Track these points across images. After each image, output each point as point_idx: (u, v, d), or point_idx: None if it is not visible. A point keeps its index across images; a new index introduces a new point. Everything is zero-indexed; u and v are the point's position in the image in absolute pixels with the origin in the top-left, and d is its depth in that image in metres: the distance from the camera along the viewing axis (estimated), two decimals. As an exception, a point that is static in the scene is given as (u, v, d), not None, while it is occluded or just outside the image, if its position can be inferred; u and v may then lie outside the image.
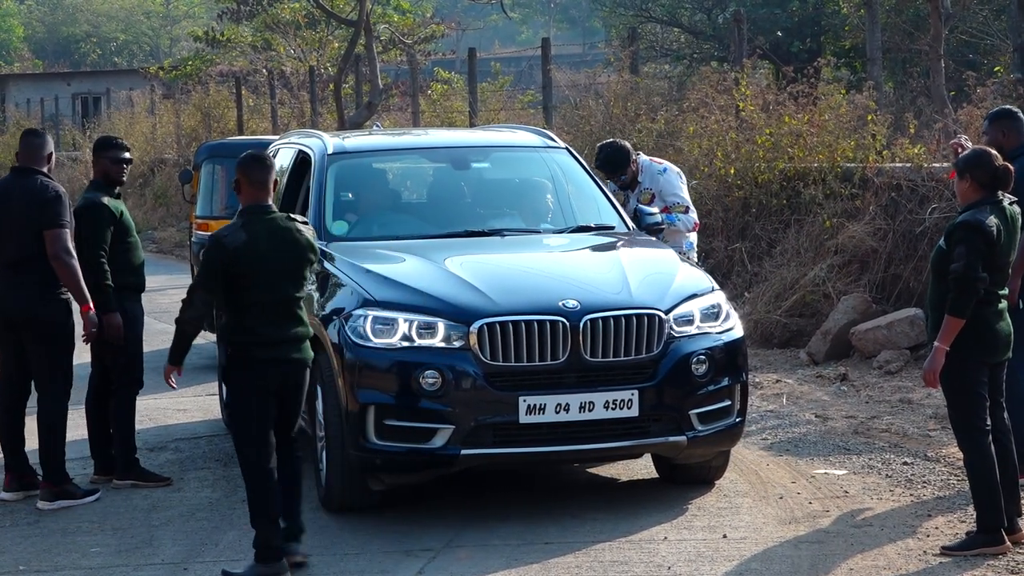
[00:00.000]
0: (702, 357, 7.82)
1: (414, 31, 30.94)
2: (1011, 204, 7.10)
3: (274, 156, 10.30)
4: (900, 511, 7.83)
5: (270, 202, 7.08)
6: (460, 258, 8.32)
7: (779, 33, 24.97)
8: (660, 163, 10.73)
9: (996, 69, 17.04)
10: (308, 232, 7.16)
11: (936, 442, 9.24)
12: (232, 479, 8.75)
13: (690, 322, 7.91)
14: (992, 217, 6.94)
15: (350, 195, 9.26)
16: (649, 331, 7.73)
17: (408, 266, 8.26)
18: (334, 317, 7.89)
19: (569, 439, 7.65)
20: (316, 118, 26.96)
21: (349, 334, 7.70)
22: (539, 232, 9.12)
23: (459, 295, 7.78)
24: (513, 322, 7.58)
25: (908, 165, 12.52)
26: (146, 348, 9.07)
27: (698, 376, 7.80)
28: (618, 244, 8.84)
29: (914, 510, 7.84)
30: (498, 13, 33.07)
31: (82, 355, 8.96)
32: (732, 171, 13.98)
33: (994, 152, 7.16)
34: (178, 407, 11.32)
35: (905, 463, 8.78)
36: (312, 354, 7.22)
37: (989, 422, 7.04)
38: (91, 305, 8.35)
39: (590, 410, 7.59)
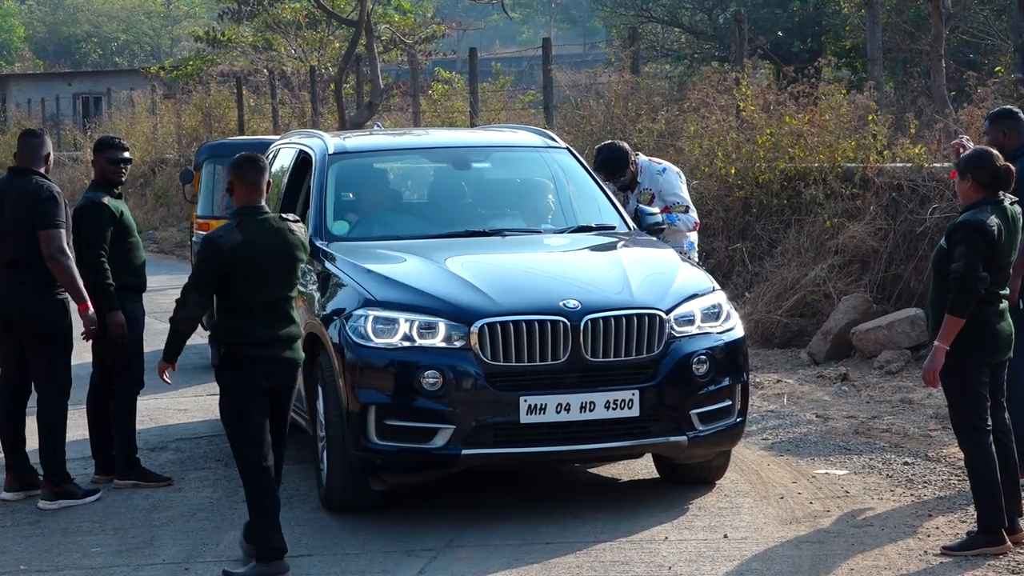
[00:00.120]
0: (703, 357, 7.82)
1: (415, 31, 30.93)
2: (1012, 204, 7.10)
3: (275, 156, 10.34)
4: (901, 511, 7.82)
5: (263, 203, 7.10)
6: (461, 258, 8.32)
7: (780, 33, 24.96)
8: (659, 163, 10.73)
9: (997, 69, 17.01)
10: (300, 231, 7.17)
11: (937, 442, 9.24)
12: (233, 479, 8.74)
13: (691, 322, 7.90)
14: (993, 217, 6.94)
15: (351, 195, 9.25)
16: (650, 331, 7.72)
17: (409, 266, 8.25)
18: (335, 317, 7.89)
19: (570, 439, 7.65)
20: (317, 118, 26.97)
21: (350, 334, 7.69)
22: (540, 232, 9.11)
23: (460, 295, 7.78)
24: (514, 322, 7.57)
25: (909, 165, 12.52)
26: (147, 348, 9.06)
27: (699, 376, 7.79)
28: (619, 244, 8.84)
29: (915, 510, 7.84)
30: (499, 13, 33.03)
31: (83, 355, 8.96)
32: (733, 171, 13.97)
33: (995, 152, 7.16)
34: (179, 407, 11.32)
35: (906, 463, 8.78)
36: (303, 355, 7.23)
37: (990, 422, 7.04)
38: (89, 304, 8.35)
39: (591, 410, 7.58)
